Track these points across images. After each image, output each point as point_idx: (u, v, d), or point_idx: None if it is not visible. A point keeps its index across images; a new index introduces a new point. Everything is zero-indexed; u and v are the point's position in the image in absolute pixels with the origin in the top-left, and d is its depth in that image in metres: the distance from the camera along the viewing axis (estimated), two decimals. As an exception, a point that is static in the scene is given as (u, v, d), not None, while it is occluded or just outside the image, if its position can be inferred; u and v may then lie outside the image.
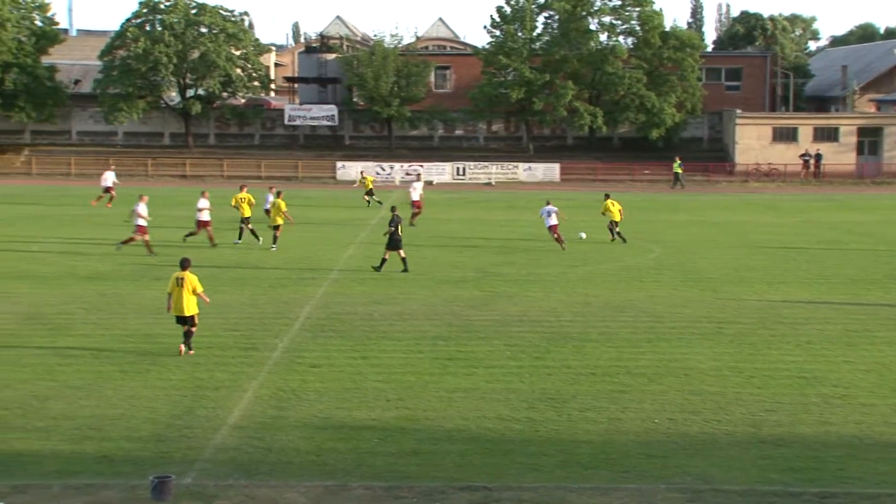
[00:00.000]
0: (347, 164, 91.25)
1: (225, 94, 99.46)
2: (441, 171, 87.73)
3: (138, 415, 19.09)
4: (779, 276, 36.46)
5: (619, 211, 46.19)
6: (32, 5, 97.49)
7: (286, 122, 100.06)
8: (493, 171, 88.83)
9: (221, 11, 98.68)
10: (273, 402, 20.05)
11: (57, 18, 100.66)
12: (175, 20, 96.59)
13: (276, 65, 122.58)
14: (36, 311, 28.44)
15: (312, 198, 65.28)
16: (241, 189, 45.72)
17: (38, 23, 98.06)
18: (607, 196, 47.40)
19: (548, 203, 44.31)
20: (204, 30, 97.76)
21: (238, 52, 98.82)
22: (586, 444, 18.01)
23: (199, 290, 23.63)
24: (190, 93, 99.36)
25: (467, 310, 29.52)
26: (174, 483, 15.20)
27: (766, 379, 22.28)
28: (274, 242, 42.09)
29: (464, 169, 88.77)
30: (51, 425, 18.38)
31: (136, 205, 40.45)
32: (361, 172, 71.27)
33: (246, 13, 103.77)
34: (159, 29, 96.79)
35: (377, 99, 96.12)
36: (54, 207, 60.25)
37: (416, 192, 53.02)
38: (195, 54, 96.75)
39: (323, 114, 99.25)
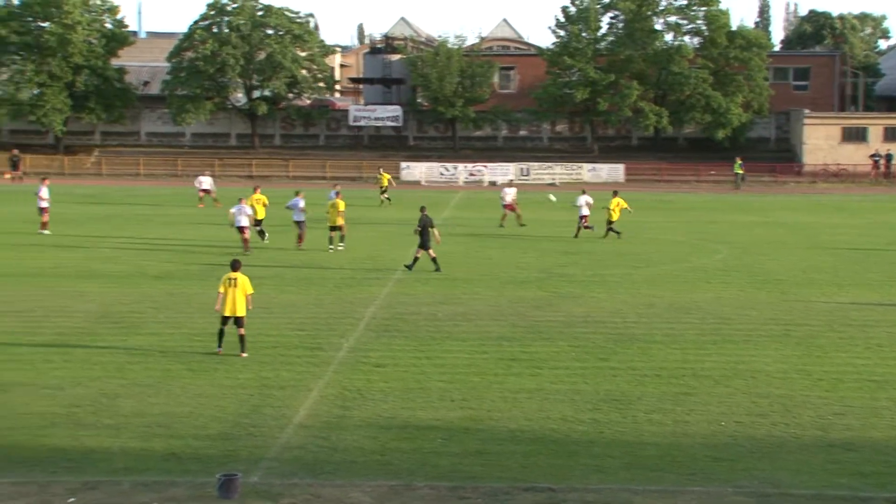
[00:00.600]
0: (412, 164, 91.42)
1: (290, 95, 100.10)
2: (505, 172, 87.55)
3: (206, 413, 19.27)
4: (847, 278, 36.01)
5: (620, 209, 46.88)
6: (102, 8, 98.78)
7: (351, 122, 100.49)
8: (558, 172, 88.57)
9: (287, 13, 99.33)
10: (338, 402, 20.15)
11: (126, 21, 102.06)
12: (242, 22, 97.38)
13: (342, 66, 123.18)
14: (107, 309, 28.81)
15: (376, 198, 65.45)
16: (255, 190, 46.27)
17: (108, 25, 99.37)
18: (615, 193, 48.21)
19: (583, 192, 47.19)
20: (270, 31, 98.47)
21: (303, 54, 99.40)
22: (652, 446, 17.91)
23: (250, 291, 23.83)
24: (256, 94, 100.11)
25: (532, 310, 29.48)
26: (241, 481, 15.32)
27: (835, 382, 22.02)
28: (341, 241, 42.01)
29: (528, 169, 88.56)
30: (121, 423, 18.60)
31: (238, 206, 40.87)
32: (380, 169, 71.59)
33: (311, 15, 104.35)
34: (226, 31, 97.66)
35: (441, 99, 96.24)
36: (124, 207, 60.99)
37: (509, 196, 51.93)
38: (261, 56, 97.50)
39: (387, 114, 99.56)
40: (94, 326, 26.39)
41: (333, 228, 42.14)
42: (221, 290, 23.70)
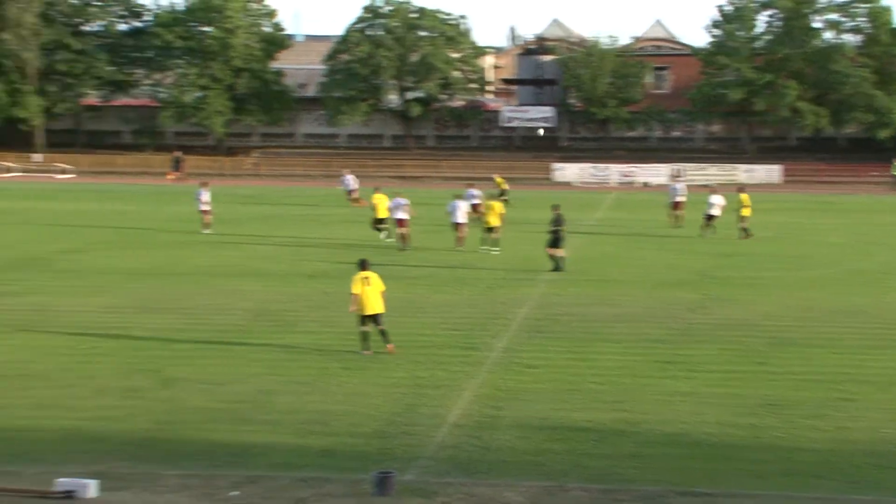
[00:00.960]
0: (564, 165, 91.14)
1: (443, 97, 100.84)
2: (657, 173, 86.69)
3: (361, 411, 19.53)
4: None
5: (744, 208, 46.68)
6: (261, 12, 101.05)
7: (503, 123, 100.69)
8: (712, 173, 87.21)
9: (440, 15, 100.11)
10: (491, 402, 20.22)
11: (284, 25, 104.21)
12: (396, 24, 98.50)
13: (494, 67, 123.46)
14: (264, 307, 29.44)
15: (528, 199, 65.46)
16: (376, 190, 47.16)
17: (267, 29, 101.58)
18: (741, 190, 48.66)
19: (714, 192, 48.01)
20: (424, 33, 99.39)
21: (456, 55, 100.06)
22: (810, 452, 17.52)
23: (382, 288, 24.02)
24: (410, 95, 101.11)
25: (686, 312, 29.12)
26: (396, 479, 15.49)
27: None
28: (495, 245, 41.77)
29: (681, 170, 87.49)
30: (278, 419, 18.99)
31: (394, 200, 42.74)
32: (495, 176, 71.65)
33: (464, 16, 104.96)
34: (381, 33, 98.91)
35: (594, 100, 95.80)
36: (281, 207, 62.25)
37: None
38: (415, 57, 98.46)
39: (540, 115, 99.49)
40: (252, 324, 26.99)
41: (488, 230, 42.05)
42: (356, 290, 23.80)
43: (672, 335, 26.20)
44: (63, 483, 14.97)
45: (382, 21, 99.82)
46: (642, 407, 19.93)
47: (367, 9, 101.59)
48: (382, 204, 45.22)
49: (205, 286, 32.85)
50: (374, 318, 23.88)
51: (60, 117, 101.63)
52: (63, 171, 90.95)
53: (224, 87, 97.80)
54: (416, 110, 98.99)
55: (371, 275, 23.93)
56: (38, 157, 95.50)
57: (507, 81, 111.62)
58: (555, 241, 36.76)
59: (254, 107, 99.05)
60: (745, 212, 46.57)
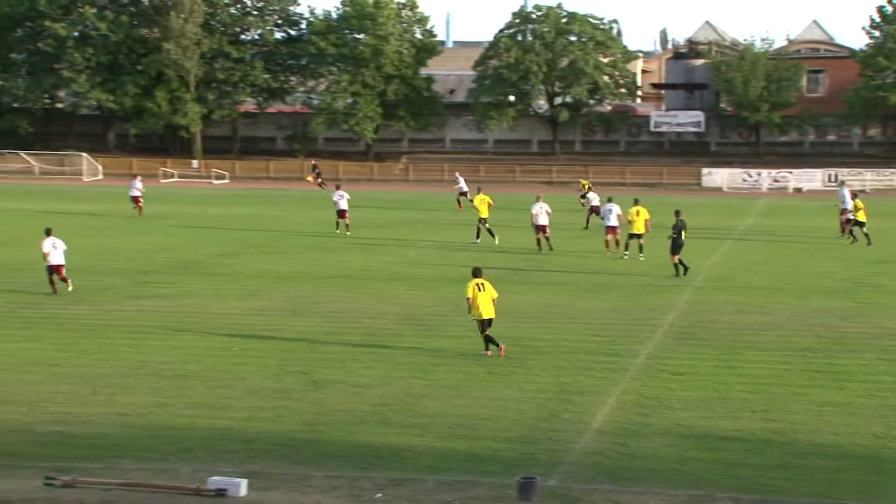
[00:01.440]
0: (713, 170, 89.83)
1: (592, 102, 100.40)
2: (811, 178, 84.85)
3: (505, 416, 19.58)
4: None
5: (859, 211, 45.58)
6: (413, 19, 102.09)
7: (652, 128, 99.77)
8: (868, 178, 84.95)
9: (591, 20, 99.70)
10: (636, 409, 20.08)
11: (435, 31, 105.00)
12: (546, 30, 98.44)
13: (643, 71, 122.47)
14: (411, 311, 29.74)
15: (677, 205, 64.61)
16: (479, 191, 48.55)
17: (418, 35, 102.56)
18: (855, 195, 47.52)
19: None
20: (573, 38, 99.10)
21: (606, 60, 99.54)
22: (969, 467, 16.95)
23: (495, 296, 24.40)
24: (558, 100, 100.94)
25: (838, 321, 28.45)
26: (540, 484, 15.50)
27: None
28: (640, 251, 41.42)
29: (836, 175, 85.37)
30: (425, 422, 19.16)
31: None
32: (580, 179, 71.69)
33: (615, 21, 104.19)
34: (530, 38, 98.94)
35: (745, 104, 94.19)
36: (429, 212, 62.75)
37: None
38: (564, 62, 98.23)
39: (689, 120, 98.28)
40: (400, 328, 27.29)
41: (633, 236, 41.69)
42: (470, 294, 24.27)
43: (823, 344, 25.63)
44: (215, 481, 15.38)
45: (532, 26, 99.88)
46: (792, 417, 19.55)
47: (516, 14, 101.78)
48: (483, 205, 46.33)
49: (353, 290, 33.33)
50: (489, 322, 24.31)
51: (217, 124, 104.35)
52: (219, 177, 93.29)
53: (375, 93, 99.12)
54: (563, 115, 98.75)
55: (484, 282, 24.43)
56: (195, 163, 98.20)
57: (656, 86, 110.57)
58: (676, 247, 36.40)
59: (403, 113, 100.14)
60: (860, 216, 45.58)
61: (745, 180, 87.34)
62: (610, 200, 43.72)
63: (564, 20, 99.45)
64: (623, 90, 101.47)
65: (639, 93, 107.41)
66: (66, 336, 25.77)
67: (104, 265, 37.82)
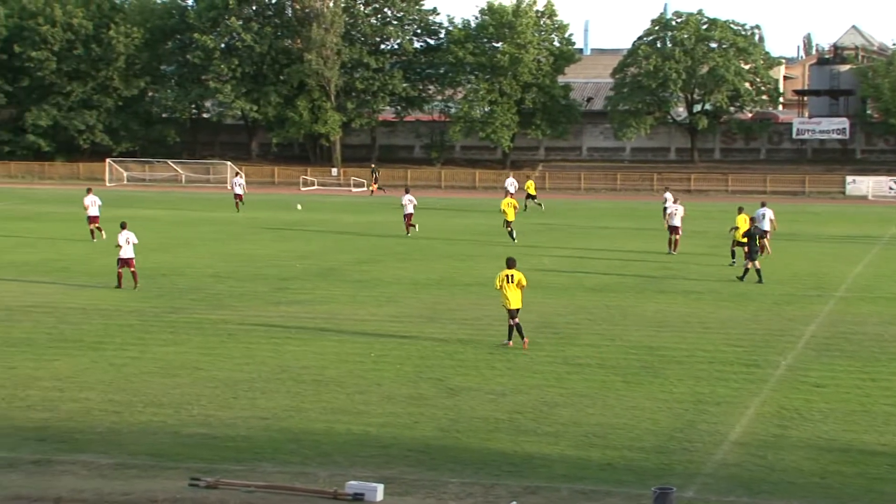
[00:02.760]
0: (858, 178, 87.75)
1: (732, 109, 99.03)
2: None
3: (640, 426, 19.45)
4: None
5: None
6: (552, 27, 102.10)
7: (794, 136, 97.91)
8: None
9: (732, 26, 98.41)
10: (775, 421, 19.74)
11: (573, 38, 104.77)
12: (685, 36, 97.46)
13: (786, 77, 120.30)
14: (546, 319, 29.72)
15: (820, 213, 63.43)
16: (507, 195, 54.26)
17: (556, 43, 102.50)
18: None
19: None
20: (714, 45, 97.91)
21: (747, 66, 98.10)
22: None
23: (524, 283, 25.71)
24: (697, 108, 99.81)
25: None
26: (676, 495, 15.36)
27: None
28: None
29: None
30: (559, 430, 19.14)
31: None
32: (528, 177, 72.18)
33: (757, 26, 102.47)
34: (670, 45, 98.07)
35: (893, 111, 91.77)
36: (565, 220, 62.60)
37: None
38: (704, 69, 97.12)
39: (833, 127, 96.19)
40: (534, 335, 27.27)
41: (739, 244, 41.74)
42: (498, 285, 25.66)
43: (973, 358, 24.85)
44: (353, 486, 15.61)
45: (672, 33, 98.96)
46: (938, 432, 19.01)
47: (655, 21, 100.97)
48: (510, 209, 49.85)
49: (488, 297, 33.36)
50: (514, 312, 25.47)
51: (357, 133, 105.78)
52: (357, 185, 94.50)
53: (512, 101, 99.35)
54: (702, 123, 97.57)
55: (514, 272, 25.56)
56: (335, 171, 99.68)
57: (798, 93, 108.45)
58: (751, 253, 36.60)
59: (540, 121, 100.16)
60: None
61: (891, 189, 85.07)
62: (763, 205, 44.35)
63: (705, 26, 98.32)
64: (764, 97, 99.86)
65: (781, 100, 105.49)
66: (209, 340, 26.42)
67: (247, 271, 38.67)
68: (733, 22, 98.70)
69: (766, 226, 42.45)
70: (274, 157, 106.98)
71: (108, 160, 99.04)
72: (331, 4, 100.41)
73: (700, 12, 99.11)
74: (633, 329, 28.37)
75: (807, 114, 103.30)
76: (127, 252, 34.32)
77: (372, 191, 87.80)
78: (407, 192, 54.60)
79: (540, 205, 64.44)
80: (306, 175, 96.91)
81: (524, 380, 22.70)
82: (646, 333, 27.68)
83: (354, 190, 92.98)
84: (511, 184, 69.04)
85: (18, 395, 20.98)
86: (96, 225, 48.56)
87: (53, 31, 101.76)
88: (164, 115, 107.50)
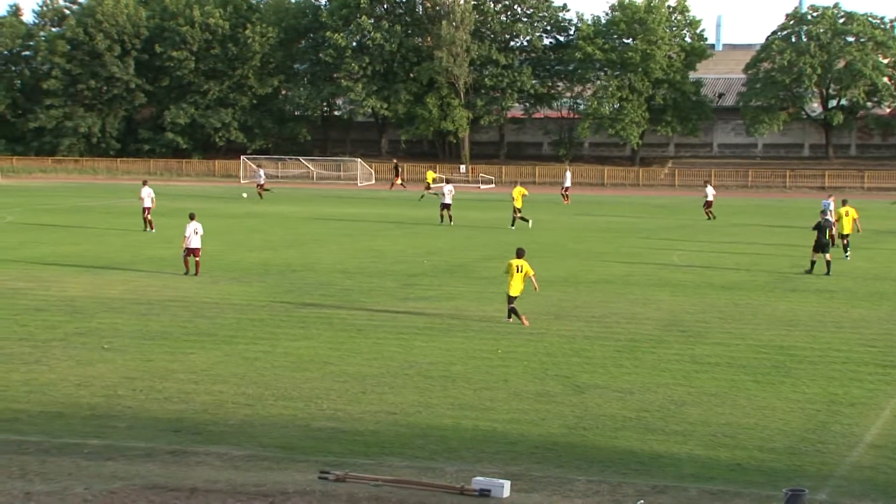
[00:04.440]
0: None
1: (869, 104, 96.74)
2: None
3: (771, 426, 19.17)
4: None
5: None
6: (684, 23, 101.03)
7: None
8: None
9: (870, 19, 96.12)
10: (914, 424, 19.28)
11: (705, 34, 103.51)
12: (821, 31, 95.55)
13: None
14: (674, 318, 29.45)
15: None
16: (516, 184, 59.02)
17: (688, 39, 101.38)
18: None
19: None
20: (851, 39, 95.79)
21: (886, 60, 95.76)
22: None
23: (532, 273, 27.87)
24: (832, 103, 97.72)
25: None
26: (808, 497, 15.11)
27: None
28: (845, 251, 41.88)
29: None
30: (687, 430, 18.97)
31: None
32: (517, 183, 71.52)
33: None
34: (804, 40, 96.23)
35: None
36: (694, 218, 61.89)
37: None
38: (840, 64, 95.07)
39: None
40: (662, 334, 27.08)
41: (842, 236, 42.49)
42: (508, 272, 27.83)
43: None
44: (479, 482, 15.69)
45: (807, 27, 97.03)
46: None
47: (790, 15, 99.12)
48: (519, 196, 54.50)
49: (616, 294, 33.28)
50: (514, 298, 27.63)
51: (485, 129, 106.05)
52: (485, 182, 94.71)
53: (642, 98, 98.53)
54: (838, 119, 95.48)
55: (523, 263, 27.69)
56: (463, 167, 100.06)
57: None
58: (820, 246, 37.16)
59: (670, 117, 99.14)
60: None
61: None
62: (844, 203, 44.40)
63: (841, 20, 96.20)
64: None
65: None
66: (338, 336, 26.78)
67: (375, 267, 39.09)
68: (871, 15, 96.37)
69: (833, 217, 42.95)
70: (403, 153, 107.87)
71: (242, 157, 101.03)
72: (461, 2, 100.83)
73: (836, 5, 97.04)
74: (763, 328, 27.95)
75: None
76: (194, 242, 36.46)
77: (393, 184, 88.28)
78: (447, 182, 60.38)
79: (526, 220, 54.44)
80: (435, 172, 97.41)
81: (652, 378, 22.55)
82: (777, 332, 27.24)
83: (483, 187, 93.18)
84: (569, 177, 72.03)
85: (156, 388, 21.56)
86: (148, 217, 51.34)
87: (192, 32, 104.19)
88: (296, 113, 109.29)
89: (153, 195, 52.42)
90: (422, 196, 73.87)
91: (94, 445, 17.68)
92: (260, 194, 75.04)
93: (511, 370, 23.21)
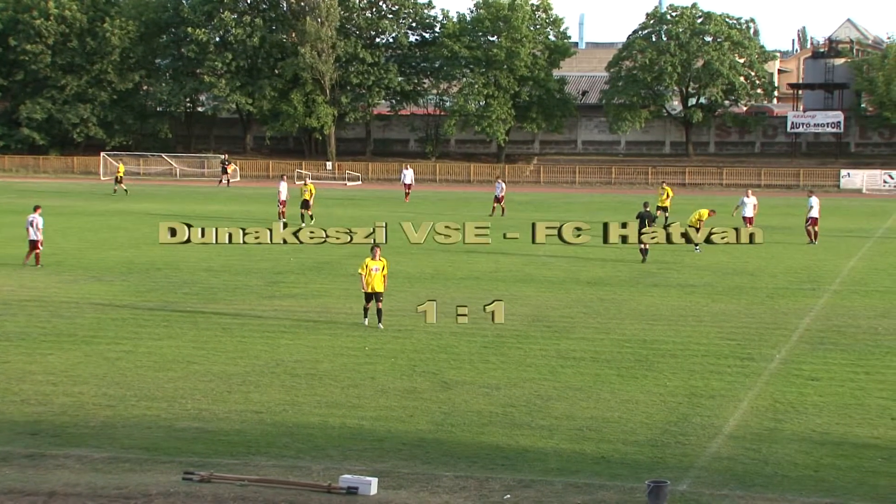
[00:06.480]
0: (852, 172, 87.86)
1: (727, 103, 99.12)
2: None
3: (634, 419, 19.47)
4: None
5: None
6: (547, 21, 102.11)
7: (788, 129, 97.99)
8: None
9: (727, 20, 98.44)
10: (769, 414, 19.77)
11: (568, 32, 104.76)
12: (680, 30, 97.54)
13: (780, 71, 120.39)
14: (540, 313, 29.72)
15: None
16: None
17: (552, 37, 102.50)
18: None
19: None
20: (709, 38, 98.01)
21: (742, 60, 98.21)
22: None
23: (385, 273, 27.26)
24: (692, 101, 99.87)
25: (984, 328, 27.57)
26: (669, 489, 15.38)
27: None
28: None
29: None
30: (553, 424, 19.15)
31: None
32: (305, 179, 72.51)
33: (752, 20, 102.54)
34: (664, 39, 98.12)
35: (888, 104, 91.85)
36: (559, 214, 62.57)
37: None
38: (699, 63, 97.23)
39: (827, 120, 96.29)
40: (528, 329, 27.30)
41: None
42: (362, 271, 27.05)
43: (967, 351, 24.87)
44: (347, 480, 15.60)
45: (667, 27, 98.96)
46: (932, 425, 19.03)
47: (650, 15, 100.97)
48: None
49: (483, 290, 33.42)
50: (376, 296, 26.96)
51: (351, 126, 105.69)
52: (352, 179, 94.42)
53: (507, 95, 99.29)
54: (697, 116, 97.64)
55: (380, 262, 27.03)
56: (329, 164, 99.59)
57: (793, 86, 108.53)
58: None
59: (535, 114, 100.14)
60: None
61: (885, 182, 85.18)
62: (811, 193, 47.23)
63: (700, 20, 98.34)
64: (759, 91, 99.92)
65: (775, 93, 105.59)
66: (203, 334, 26.39)
67: (241, 265, 38.61)
68: (728, 16, 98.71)
69: (750, 212, 44.14)
70: (269, 150, 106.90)
71: (102, 154, 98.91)
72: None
73: (695, 6, 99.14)
74: (627, 322, 28.39)
75: (801, 107, 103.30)
76: (32, 235, 36.98)
77: (220, 181, 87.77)
78: (498, 178, 63.95)
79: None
80: (301, 169, 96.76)
81: (518, 373, 22.71)
82: (640, 327, 27.69)
83: (349, 184, 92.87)
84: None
85: (12, 390, 20.95)
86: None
87: (48, 25, 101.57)
88: (158, 109, 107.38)
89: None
90: (114, 190, 74.56)
91: (-54, 451, 17.10)
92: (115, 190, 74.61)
93: (378, 367, 23.14)
